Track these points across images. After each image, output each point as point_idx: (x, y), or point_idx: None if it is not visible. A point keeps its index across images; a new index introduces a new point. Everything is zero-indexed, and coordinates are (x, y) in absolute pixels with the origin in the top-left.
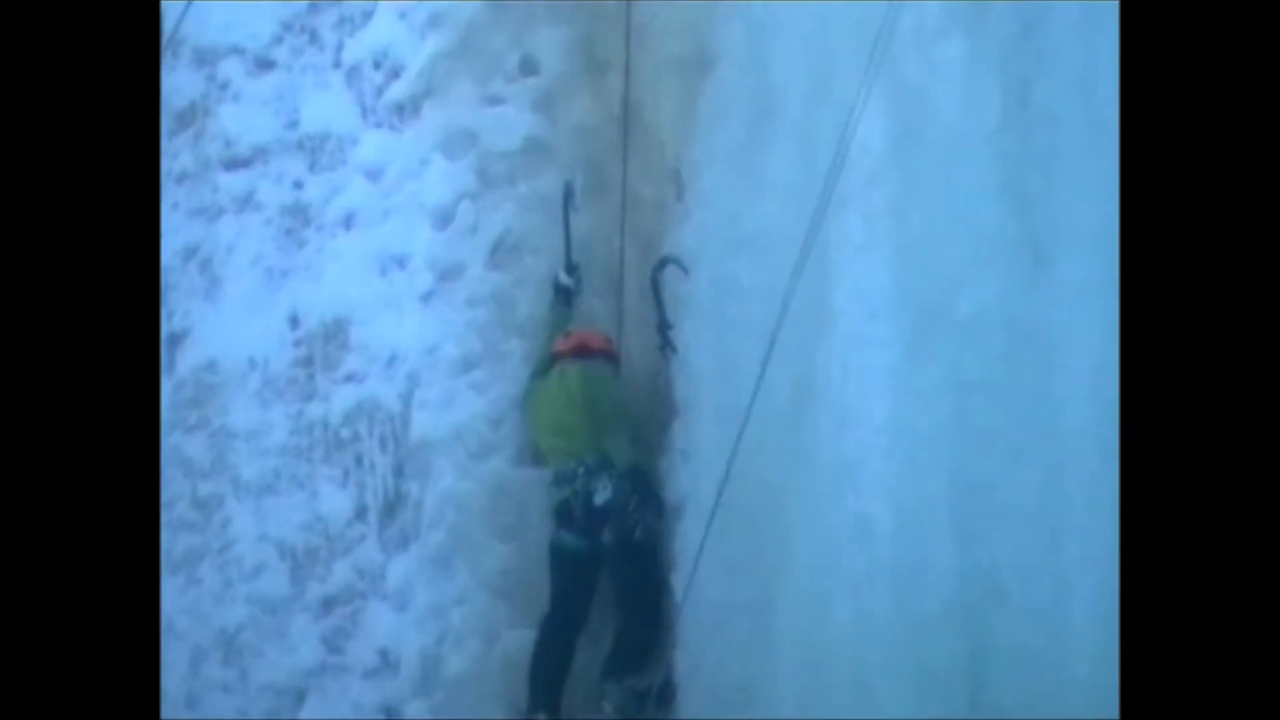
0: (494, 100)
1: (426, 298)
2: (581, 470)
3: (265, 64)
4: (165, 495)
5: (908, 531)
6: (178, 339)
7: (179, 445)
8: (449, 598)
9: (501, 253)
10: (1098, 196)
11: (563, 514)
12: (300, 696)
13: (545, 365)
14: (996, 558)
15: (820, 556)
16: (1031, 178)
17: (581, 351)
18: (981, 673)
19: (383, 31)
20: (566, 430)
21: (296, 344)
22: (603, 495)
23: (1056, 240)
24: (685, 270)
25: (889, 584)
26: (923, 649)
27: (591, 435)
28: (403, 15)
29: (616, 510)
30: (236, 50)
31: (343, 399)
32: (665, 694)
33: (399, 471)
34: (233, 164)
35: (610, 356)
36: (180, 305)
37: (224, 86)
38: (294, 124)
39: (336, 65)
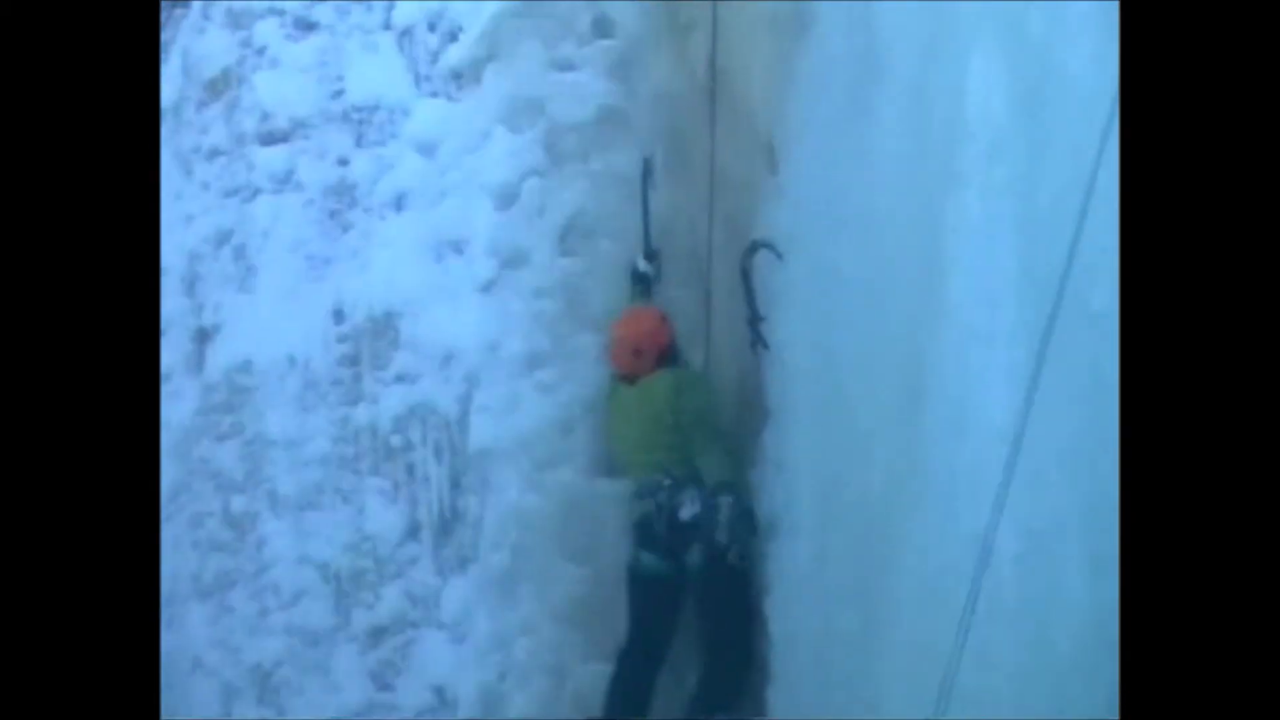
0: (564, 65)
1: (487, 287)
2: (667, 482)
3: (307, 25)
4: (193, 511)
5: (1034, 558)
6: (208, 335)
7: (209, 455)
8: (513, 627)
9: (572, 237)
10: None
11: (644, 531)
12: None
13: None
14: None
15: (932, 584)
16: None
17: (661, 357)
18: None
19: None
20: (652, 445)
21: (341, 340)
22: (690, 510)
23: None
24: (779, 255)
25: (1013, 619)
26: (1053, 695)
27: (679, 450)
28: None
29: (706, 527)
30: (274, 10)
31: (393, 402)
32: None
33: (456, 484)
34: (270, 138)
35: (675, 344)
36: (211, 297)
37: (260, 51)
38: (339, 93)
39: (387, 26)
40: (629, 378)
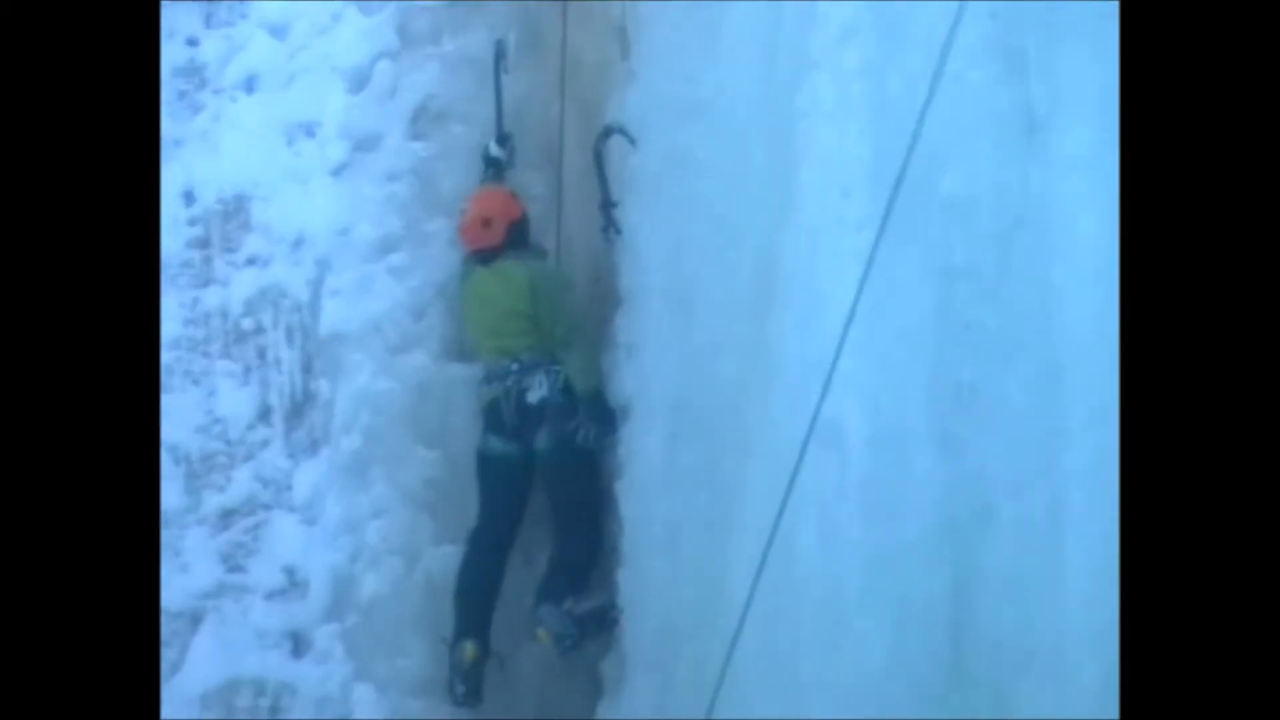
0: None
1: (339, 171)
2: (515, 366)
3: None
4: None
5: (883, 440)
6: None
7: None
8: (364, 510)
9: (424, 120)
10: (1101, 58)
11: (492, 415)
12: (195, 620)
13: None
14: (983, 471)
15: (783, 468)
16: (1027, 35)
17: (514, 233)
18: (966, 602)
19: None
20: (502, 330)
21: (191, 223)
22: (538, 394)
23: (1054, 108)
24: (632, 141)
25: (861, 500)
26: (900, 574)
27: (530, 334)
28: None
29: (554, 411)
30: None
31: (244, 285)
32: (608, 619)
33: (307, 367)
34: None
35: (527, 221)
36: None
37: None
38: None
39: None
40: (481, 253)
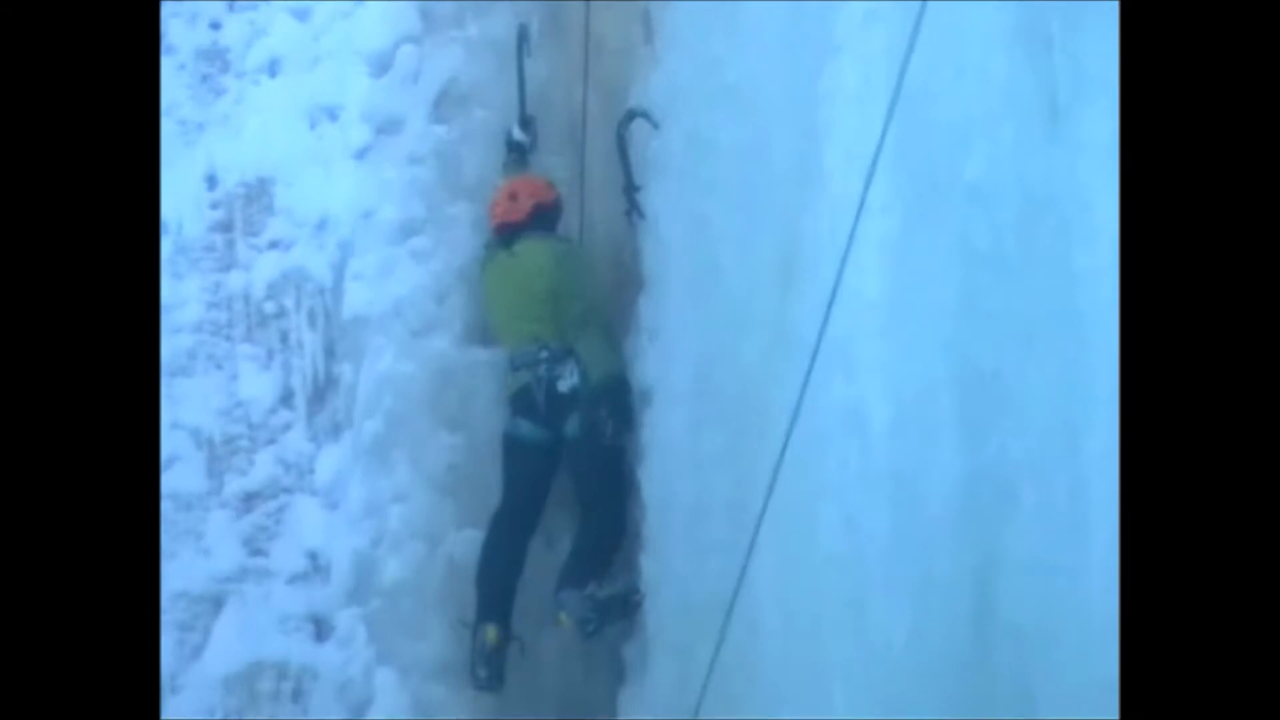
0: None
1: (361, 154)
2: (545, 354)
3: None
4: None
5: (905, 425)
6: None
7: None
8: (386, 494)
9: (447, 104)
10: None
11: (522, 401)
12: (218, 604)
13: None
14: (1006, 455)
15: (805, 453)
16: (1050, 18)
17: (541, 214)
18: (989, 586)
19: None
20: (527, 314)
21: (214, 206)
22: (568, 382)
23: (1078, 91)
24: (655, 124)
25: (884, 484)
26: (922, 559)
27: (556, 319)
28: None
29: (584, 399)
30: None
31: (266, 268)
32: (630, 603)
33: (330, 351)
34: None
35: (557, 209)
36: None
37: None
38: None
39: None
40: (504, 231)
